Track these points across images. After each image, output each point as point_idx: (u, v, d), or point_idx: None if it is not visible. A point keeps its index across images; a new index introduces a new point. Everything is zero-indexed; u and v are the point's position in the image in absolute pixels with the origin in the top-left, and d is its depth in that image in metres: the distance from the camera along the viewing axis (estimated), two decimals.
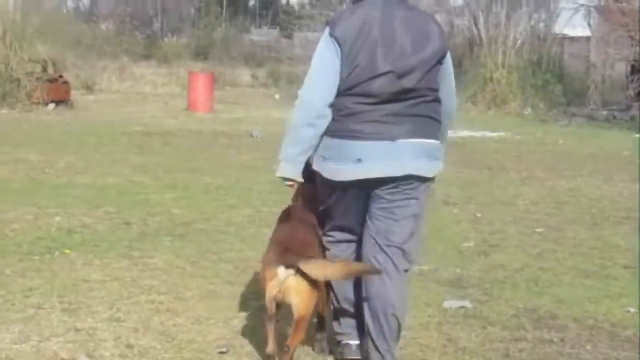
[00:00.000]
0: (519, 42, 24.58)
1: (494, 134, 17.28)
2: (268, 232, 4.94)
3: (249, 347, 4.49)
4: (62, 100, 19.51)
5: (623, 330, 4.98)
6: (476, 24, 25.67)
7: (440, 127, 4.09)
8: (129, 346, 4.46)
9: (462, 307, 5.30)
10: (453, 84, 4.23)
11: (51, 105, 19.12)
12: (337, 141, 3.95)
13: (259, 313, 4.73)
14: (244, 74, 33.38)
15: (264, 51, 38.77)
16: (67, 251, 6.35)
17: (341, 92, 3.93)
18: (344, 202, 4.12)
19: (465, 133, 17.06)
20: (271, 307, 3.91)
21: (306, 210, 4.31)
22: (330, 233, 4.29)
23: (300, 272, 3.84)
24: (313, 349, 4.46)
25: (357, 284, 4.21)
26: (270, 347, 3.94)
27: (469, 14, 26.98)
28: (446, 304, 5.35)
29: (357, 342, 4.32)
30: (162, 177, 10.19)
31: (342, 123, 3.94)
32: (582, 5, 26.45)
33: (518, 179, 11.03)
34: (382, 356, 4.06)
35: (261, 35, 46.74)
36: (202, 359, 4.37)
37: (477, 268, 6.31)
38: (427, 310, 5.21)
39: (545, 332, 4.91)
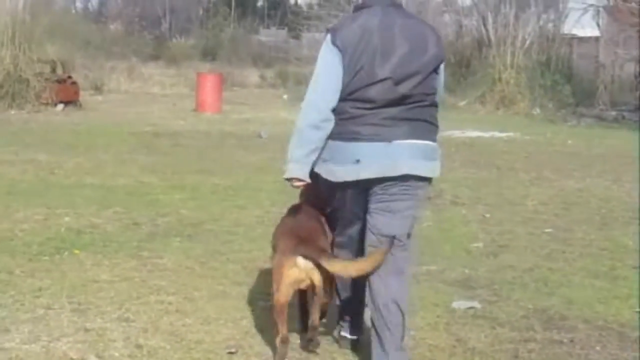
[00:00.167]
0: (527, 42, 24.56)
1: (503, 135, 17.26)
2: None
3: (258, 348, 4.49)
4: (70, 101, 19.56)
5: (632, 331, 4.97)
6: (485, 25, 25.63)
7: (437, 130, 4.19)
8: (139, 346, 4.47)
9: (471, 307, 5.29)
10: (442, 90, 4.34)
11: (60, 106, 19.17)
12: (336, 143, 4.08)
13: (268, 313, 4.74)
14: (252, 75, 33.43)
15: (272, 52, 38.83)
16: (77, 251, 6.36)
17: (341, 98, 4.05)
18: (345, 205, 4.23)
19: (474, 133, 17.07)
20: (288, 294, 4.11)
21: (313, 206, 4.43)
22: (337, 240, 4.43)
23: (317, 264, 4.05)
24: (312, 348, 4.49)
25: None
26: (284, 333, 4.12)
27: (478, 15, 26.93)
28: (455, 305, 5.34)
29: (355, 337, 4.50)
30: (171, 177, 10.21)
31: (342, 126, 4.06)
32: (591, 5, 26.45)
33: (527, 179, 11.02)
34: (386, 350, 4.10)
35: (269, 35, 46.85)
36: (211, 359, 4.38)
37: (486, 269, 6.30)
38: (436, 311, 5.21)
39: (555, 333, 4.90)
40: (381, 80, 4.00)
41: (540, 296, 5.62)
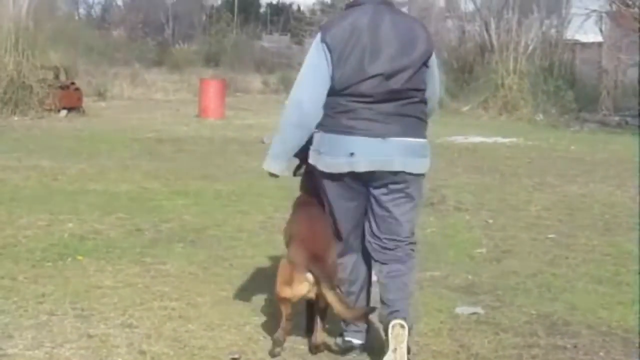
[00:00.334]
0: (530, 48, 24.55)
1: (506, 140, 17.24)
2: (280, 239, 4.97)
3: (261, 354, 4.49)
4: (74, 107, 19.58)
5: (636, 337, 4.95)
6: (487, 30, 25.62)
7: (426, 126, 4.35)
8: (142, 352, 4.46)
9: (475, 313, 5.29)
10: (437, 85, 4.45)
11: (63, 112, 19.19)
12: (331, 136, 4.20)
13: (272, 319, 4.75)
14: (255, 81, 33.47)
15: (274, 58, 38.92)
16: (80, 257, 6.37)
17: (335, 92, 4.18)
18: (339, 198, 4.32)
19: (477, 139, 17.05)
20: (295, 304, 4.30)
21: (315, 198, 4.52)
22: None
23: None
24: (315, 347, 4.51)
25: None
26: (289, 312, 4.32)
27: (480, 20, 26.92)
28: (458, 310, 5.33)
29: (361, 342, 4.54)
30: (174, 183, 10.21)
31: (336, 119, 4.19)
32: (594, 11, 26.41)
33: (530, 185, 11.00)
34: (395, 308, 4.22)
35: (272, 41, 46.93)
36: None
37: (489, 274, 6.30)
38: (439, 317, 5.20)
39: (559, 339, 4.89)
40: (372, 77, 4.12)
41: (543, 302, 5.61)
